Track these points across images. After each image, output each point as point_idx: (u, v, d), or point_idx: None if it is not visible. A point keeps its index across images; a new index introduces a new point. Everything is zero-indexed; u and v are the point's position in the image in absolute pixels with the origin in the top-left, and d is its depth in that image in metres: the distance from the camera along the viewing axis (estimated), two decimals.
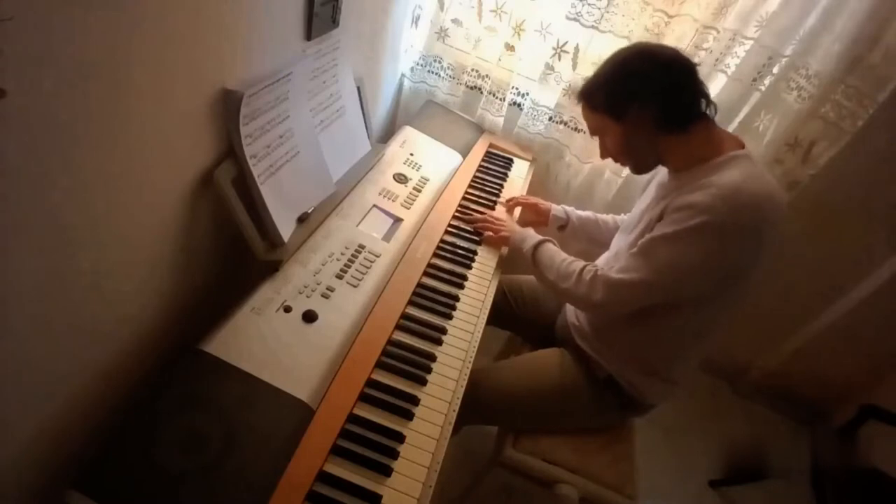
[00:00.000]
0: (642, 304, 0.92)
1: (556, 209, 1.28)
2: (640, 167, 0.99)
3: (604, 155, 1.02)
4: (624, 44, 1.34)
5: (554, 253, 1.04)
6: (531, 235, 1.10)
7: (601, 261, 1.11)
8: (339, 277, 0.91)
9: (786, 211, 0.85)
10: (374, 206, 1.10)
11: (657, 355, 0.99)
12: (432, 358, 0.90)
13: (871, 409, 1.59)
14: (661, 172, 1.03)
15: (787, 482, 1.64)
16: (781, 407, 1.87)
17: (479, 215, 1.23)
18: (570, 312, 1.12)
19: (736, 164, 0.86)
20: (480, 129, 1.55)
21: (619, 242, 1.07)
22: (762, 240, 0.83)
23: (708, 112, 0.91)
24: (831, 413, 1.82)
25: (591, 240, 1.28)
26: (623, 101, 0.90)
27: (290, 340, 0.79)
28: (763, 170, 0.88)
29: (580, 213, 1.28)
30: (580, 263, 0.99)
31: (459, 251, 1.14)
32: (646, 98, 0.88)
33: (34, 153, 0.51)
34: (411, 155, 1.29)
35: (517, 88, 1.51)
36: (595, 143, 1.00)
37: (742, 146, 0.90)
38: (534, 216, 1.31)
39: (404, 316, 0.95)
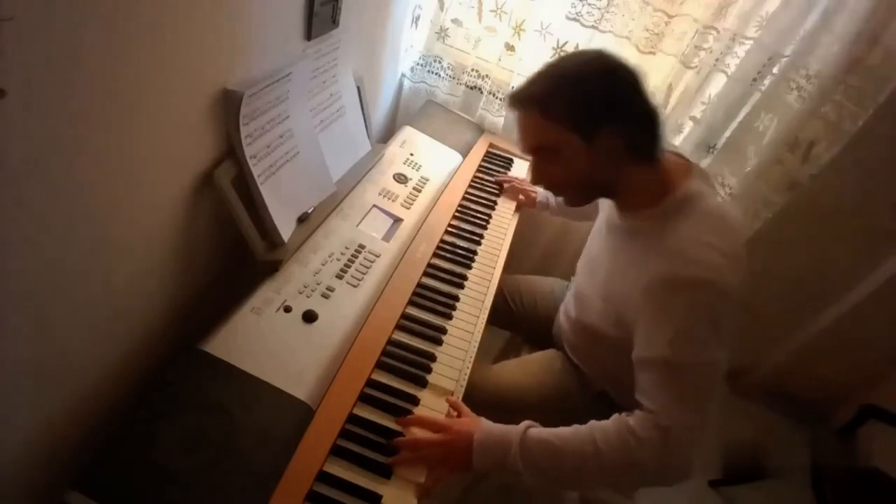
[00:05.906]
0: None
1: (541, 194, 1.35)
2: (583, 198, 0.84)
3: (540, 179, 0.84)
4: (624, 44, 1.35)
5: (549, 434, 0.75)
6: (506, 434, 0.75)
7: (568, 299, 1.07)
8: (339, 277, 0.91)
9: (744, 261, 0.75)
10: (374, 206, 1.10)
11: None
12: (432, 358, 0.89)
13: (871, 409, 1.59)
14: (605, 206, 0.94)
15: (787, 482, 1.64)
16: (781, 407, 1.87)
17: (405, 439, 0.76)
18: (563, 323, 1.09)
19: (693, 212, 0.75)
20: (480, 129, 1.55)
21: (583, 281, 1.01)
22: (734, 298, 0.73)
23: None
24: (831, 413, 1.82)
25: (572, 216, 1.36)
26: (592, 120, 0.74)
27: (290, 340, 0.79)
28: (716, 200, 0.78)
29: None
30: (593, 426, 0.74)
31: (459, 251, 1.14)
32: (624, 120, 0.74)
33: (34, 153, 0.51)
34: (411, 155, 1.29)
35: None
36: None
37: (687, 168, 0.80)
38: (523, 199, 1.37)
39: (404, 316, 0.94)
